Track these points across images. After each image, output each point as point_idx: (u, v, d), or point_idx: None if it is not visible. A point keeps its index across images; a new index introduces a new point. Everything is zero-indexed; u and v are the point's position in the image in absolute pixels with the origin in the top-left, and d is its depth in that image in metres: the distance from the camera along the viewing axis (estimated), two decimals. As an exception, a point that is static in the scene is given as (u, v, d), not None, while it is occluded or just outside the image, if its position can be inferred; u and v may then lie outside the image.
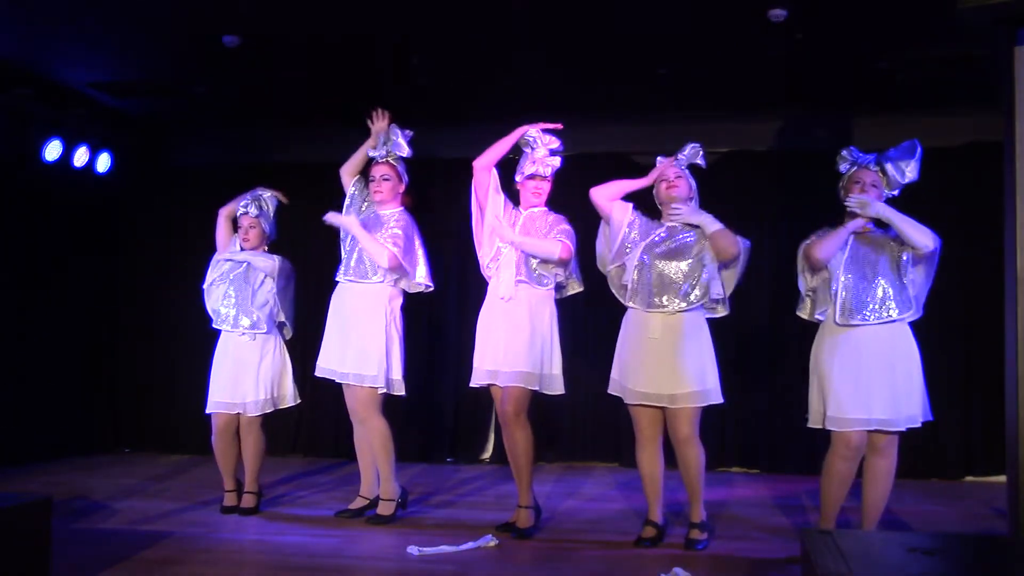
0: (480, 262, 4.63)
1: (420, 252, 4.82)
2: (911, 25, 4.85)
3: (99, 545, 4.19)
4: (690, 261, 4.24)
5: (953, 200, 6.35)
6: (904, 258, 3.97)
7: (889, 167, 4.00)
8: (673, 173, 4.36)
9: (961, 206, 6.32)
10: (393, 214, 4.82)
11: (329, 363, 4.76)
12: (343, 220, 4.80)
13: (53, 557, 3.44)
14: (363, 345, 4.67)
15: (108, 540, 4.33)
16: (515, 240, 4.46)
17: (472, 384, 4.59)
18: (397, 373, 4.73)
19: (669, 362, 4.17)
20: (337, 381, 4.77)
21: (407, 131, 4.84)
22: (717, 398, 4.23)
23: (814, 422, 4.07)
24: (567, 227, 4.53)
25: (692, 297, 4.21)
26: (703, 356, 4.20)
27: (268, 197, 5.08)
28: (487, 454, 7.00)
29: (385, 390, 4.68)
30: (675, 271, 4.23)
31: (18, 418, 6.52)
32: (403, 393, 4.78)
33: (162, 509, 5.07)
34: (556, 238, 4.45)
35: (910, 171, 4.00)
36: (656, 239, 4.32)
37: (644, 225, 4.39)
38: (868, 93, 6.05)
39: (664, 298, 4.22)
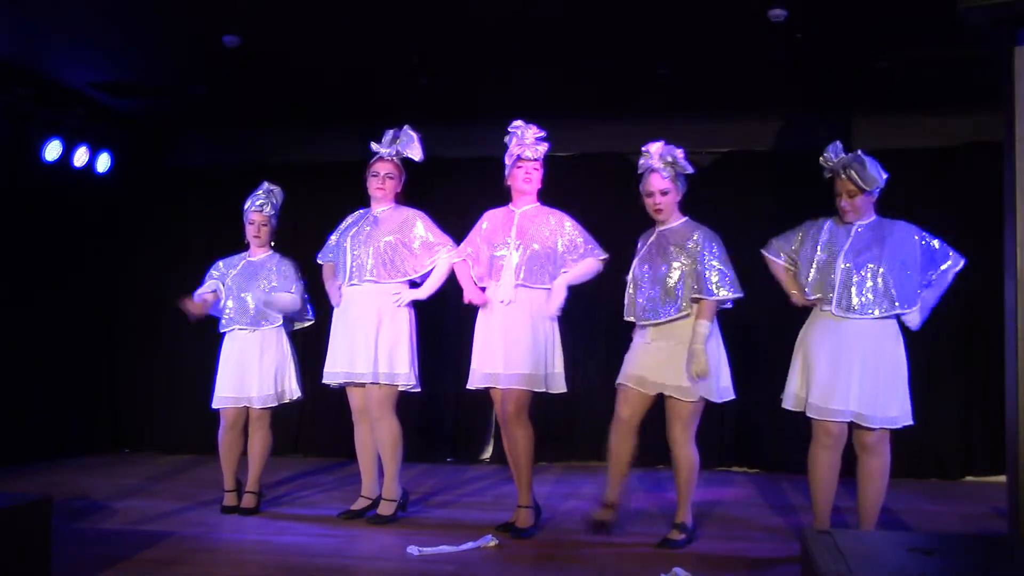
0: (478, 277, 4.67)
1: None
2: (911, 25, 4.85)
3: (99, 545, 4.19)
4: (674, 269, 4.20)
5: (953, 200, 6.35)
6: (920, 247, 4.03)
7: (854, 176, 4.01)
8: (659, 188, 4.28)
9: (961, 206, 6.31)
10: (402, 212, 4.83)
11: (354, 367, 4.69)
12: (419, 293, 4.75)
13: (53, 557, 3.44)
14: (393, 344, 4.68)
15: (108, 540, 4.33)
16: (566, 284, 4.46)
17: (470, 386, 4.59)
18: (416, 368, 4.78)
19: (662, 358, 4.20)
20: (366, 383, 4.69)
21: (418, 132, 4.84)
22: (714, 397, 4.19)
23: (790, 404, 4.10)
24: (581, 229, 4.53)
25: (675, 309, 4.17)
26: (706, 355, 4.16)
27: (277, 192, 5.09)
28: (487, 454, 7.00)
29: (415, 387, 4.74)
30: (661, 279, 4.21)
31: (18, 418, 6.52)
32: (419, 389, 4.82)
33: (162, 509, 5.07)
34: (589, 252, 4.51)
35: (869, 179, 3.99)
36: (650, 247, 4.35)
37: (642, 240, 4.44)
38: (868, 93, 6.05)
39: (653, 310, 4.22)
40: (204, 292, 5.08)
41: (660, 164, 4.28)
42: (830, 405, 3.94)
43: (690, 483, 4.24)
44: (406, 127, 4.83)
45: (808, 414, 4.01)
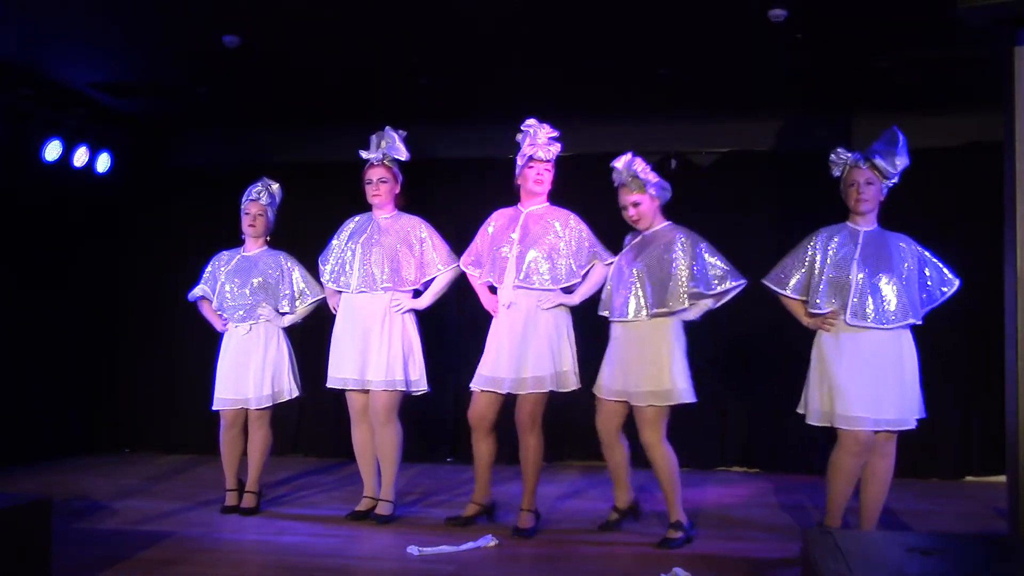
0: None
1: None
2: (911, 25, 4.85)
3: (99, 545, 4.19)
4: (649, 271, 4.23)
5: (953, 200, 6.35)
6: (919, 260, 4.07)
7: (878, 161, 4.02)
8: (630, 201, 4.32)
9: (961, 206, 6.32)
10: (407, 220, 4.84)
11: (365, 374, 4.70)
12: (418, 303, 4.81)
13: (53, 557, 3.44)
14: (407, 352, 4.74)
15: (108, 540, 4.33)
16: (580, 299, 4.51)
17: (471, 387, 4.59)
18: (425, 370, 4.85)
19: (626, 362, 4.27)
20: (382, 390, 4.70)
21: (400, 132, 4.84)
22: (678, 399, 4.18)
23: (815, 420, 4.08)
24: (588, 232, 4.53)
25: (641, 310, 4.22)
26: (662, 358, 4.18)
27: (276, 188, 5.09)
28: (487, 454, 6.98)
29: (428, 389, 4.84)
30: (635, 280, 4.26)
31: (19, 418, 6.52)
32: (429, 390, 4.92)
33: (162, 509, 5.07)
34: (591, 253, 4.50)
35: (899, 160, 4.03)
36: (630, 248, 4.41)
37: (628, 239, 4.51)
38: (868, 93, 6.05)
39: (622, 309, 4.27)
40: (198, 295, 5.13)
41: (627, 178, 4.31)
42: (860, 414, 3.93)
43: (672, 481, 4.24)
44: (387, 128, 4.83)
45: (837, 425, 3.98)
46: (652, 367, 4.18)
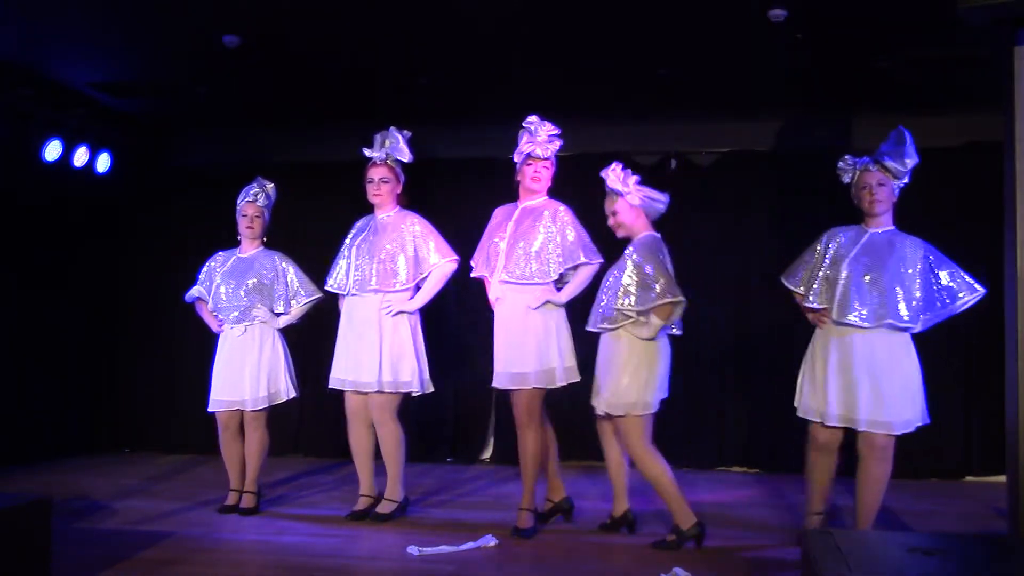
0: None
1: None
2: (911, 25, 4.85)
3: (99, 545, 4.19)
4: (615, 280, 4.25)
5: (952, 200, 6.35)
6: (929, 262, 4.03)
7: (888, 162, 4.02)
8: (608, 210, 4.34)
9: (960, 206, 6.32)
10: (403, 218, 4.83)
11: (360, 376, 4.70)
12: (409, 305, 4.77)
13: (53, 557, 3.44)
14: (399, 353, 4.72)
15: (108, 540, 4.33)
16: (566, 299, 4.48)
17: (493, 385, 4.59)
18: (424, 372, 4.83)
19: (598, 372, 4.33)
20: (376, 392, 4.70)
21: (405, 132, 4.83)
22: (633, 410, 4.16)
23: (811, 415, 4.11)
24: (579, 231, 4.49)
25: (603, 319, 4.26)
26: (618, 370, 4.19)
27: (271, 188, 5.09)
28: (487, 454, 6.99)
29: (424, 390, 4.82)
30: (607, 289, 4.29)
31: (19, 418, 6.52)
32: (431, 390, 4.89)
33: (162, 509, 5.07)
34: (572, 250, 4.44)
35: (909, 159, 4.03)
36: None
37: None
38: (868, 93, 6.05)
39: (596, 319, 4.32)
40: (195, 295, 5.13)
41: (606, 188, 4.34)
42: (826, 410, 3.96)
43: (663, 489, 4.19)
44: (391, 129, 4.83)
45: (827, 423, 4.00)
46: (605, 375, 4.25)
